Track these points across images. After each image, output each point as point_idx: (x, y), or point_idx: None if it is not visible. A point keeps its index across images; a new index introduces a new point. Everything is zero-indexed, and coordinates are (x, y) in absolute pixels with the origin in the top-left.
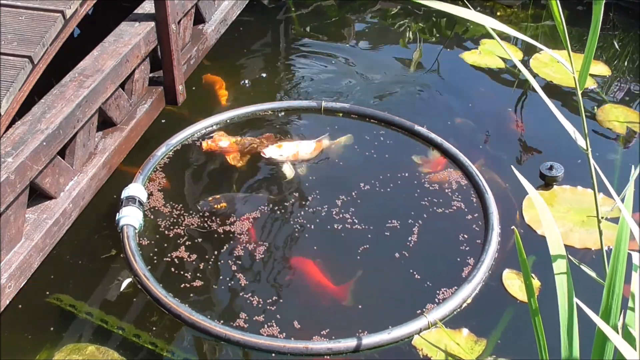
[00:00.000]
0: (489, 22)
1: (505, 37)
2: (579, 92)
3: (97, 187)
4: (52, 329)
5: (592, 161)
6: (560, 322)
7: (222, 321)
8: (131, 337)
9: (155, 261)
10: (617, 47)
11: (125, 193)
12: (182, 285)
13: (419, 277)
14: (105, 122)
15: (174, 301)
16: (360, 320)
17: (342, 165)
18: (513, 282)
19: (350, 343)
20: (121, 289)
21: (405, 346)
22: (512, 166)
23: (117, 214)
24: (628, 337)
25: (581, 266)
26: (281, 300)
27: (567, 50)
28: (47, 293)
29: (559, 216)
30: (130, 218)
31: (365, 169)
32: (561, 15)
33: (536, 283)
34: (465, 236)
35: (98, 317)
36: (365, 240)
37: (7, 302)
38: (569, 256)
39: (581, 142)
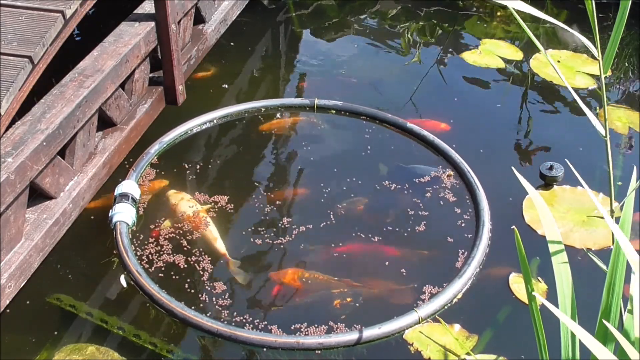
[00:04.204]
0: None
1: (506, 37)
2: (602, 76)
3: (97, 187)
4: (52, 329)
5: (609, 147)
6: (560, 322)
7: (213, 316)
8: (131, 337)
9: (151, 258)
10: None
11: (118, 190)
12: (179, 282)
13: (412, 272)
14: (105, 122)
15: (167, 297)
16: (354, 315)
17: (334, 163)
18: (520, 287)
19: (342, 338)
20: (124, 286)
21: (397, 341)
22: (512, 167)
23: (110, 210)
24: (627, 338)
25: (590, 254)
26: (277, 298)
27: (595, 36)
28: (47, 293)
29: (559, 216)
30: (123, 215)
31: (357, 166)
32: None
33: (543, 286)
34: (458, 232)
35: (98, 317)
36: (357, 237)
37: (7, 302)
38: (586, 252)
39: (600, 128)
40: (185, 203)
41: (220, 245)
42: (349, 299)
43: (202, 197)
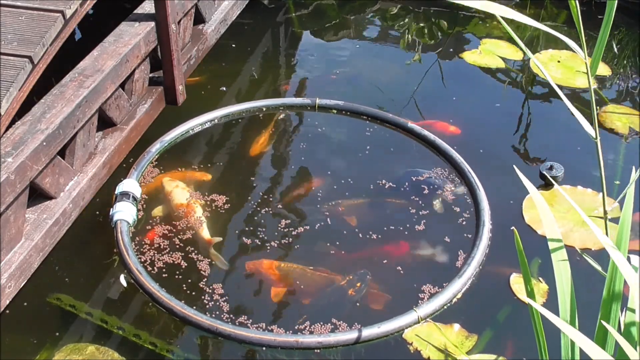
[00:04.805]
0: (502, 11)
1: (507, 37)
2: (590, 78)
3: (97, 187)
4: (52, 329)
5: (599, 149)
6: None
7: (213, 315)
8: (131, 337)
9: (152, 258)
10: (615, 48)
11: (119, 189)
12: (180, 281)
13: (411, 272)
14: (105, 122)
15: (166, 295)
16: (354, 314)
17: (334, 162)
18: (522, 287)
19: (341, 337)
20: (124, 285)
21: (396, 340)
22: (514, 167)
23: (111, 209)
24: (628, 337)
25: (584, 256)
26: (277, 295)
27: (581, 39)
28: (47, 293)
29: (559, 216)
30: (124, 213)
31: (358, 165)
32: (579, 11)
33: (544, 287)
34: (458, 232)
35: (98, 317)
36: (356, 236)
37: (7, 302)
38: (579, 252)
39: (590, 130)
40: (180, 191)
41: (205, 232)
42: (358, 284)
43: (200, 196)
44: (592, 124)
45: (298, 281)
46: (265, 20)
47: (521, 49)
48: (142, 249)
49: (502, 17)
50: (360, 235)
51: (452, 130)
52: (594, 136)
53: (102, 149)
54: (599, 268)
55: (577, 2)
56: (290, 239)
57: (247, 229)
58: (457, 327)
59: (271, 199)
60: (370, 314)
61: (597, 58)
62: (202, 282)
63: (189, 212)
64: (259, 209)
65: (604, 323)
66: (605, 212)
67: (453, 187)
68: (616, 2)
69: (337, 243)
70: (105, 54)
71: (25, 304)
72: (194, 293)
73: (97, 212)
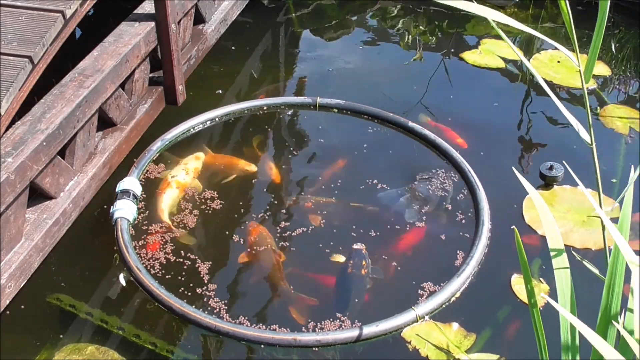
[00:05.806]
0: (495, 16)
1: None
2: (584, 86)
3: (97, 187)
4: (52, 329)
5: (595, 155)
6: (560, 322)
7: (213, 314)
8: (131, 337)
9: (152, 256)
10: (613, 48)
11: (119, 186)
12: (180, 280)
13: (411, 271)
14: (105, 122)
15: (166, 293)
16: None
17: (333, 161)
18: (523, 288)
19: (339, 335)
20: (123, 284)
21: (395, 339)
22: (512, 167)
23: (112, 207)
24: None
25: (584, 262)
26: (277, 294)
27: (573, 44)
28: (47, 293)
29: (559, 216)
30: (124, 211)
31: (359, 165)
32: (569, 13)
33: (544, 287)
34: (457, 232)
35: (98, 317)
36: (355, 237)
37: (7, 302)
38: (574, 254)
39: (585, 135)
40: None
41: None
42: (364, 263)
43: (195, 193)
44: (590, 127)
45: (261, 263)
46: (265, 20)
47: (533, 43)
48: (141, 254)
49: (494, 20)
50: (355, 234)
51: (459, 142)
52: (590, 142)
53: (102, 149)
54: (596, 271)
55: (567, 3)
56: (283, 240)
57: (240, 227)
58: (455, 326)
59: (265, 198)
60: (371, 312)
61: (591, 65)
62: (201, 281)
63: (161, 190)
64: (256, 207)
65: (615, 324)
66: (601, 218)
67: (452, 186)
68: (609, 2)
69: (331, 243)
70: (105, 54)
71: (25, 304)
72: (192, 293)
73: (97, 212)
